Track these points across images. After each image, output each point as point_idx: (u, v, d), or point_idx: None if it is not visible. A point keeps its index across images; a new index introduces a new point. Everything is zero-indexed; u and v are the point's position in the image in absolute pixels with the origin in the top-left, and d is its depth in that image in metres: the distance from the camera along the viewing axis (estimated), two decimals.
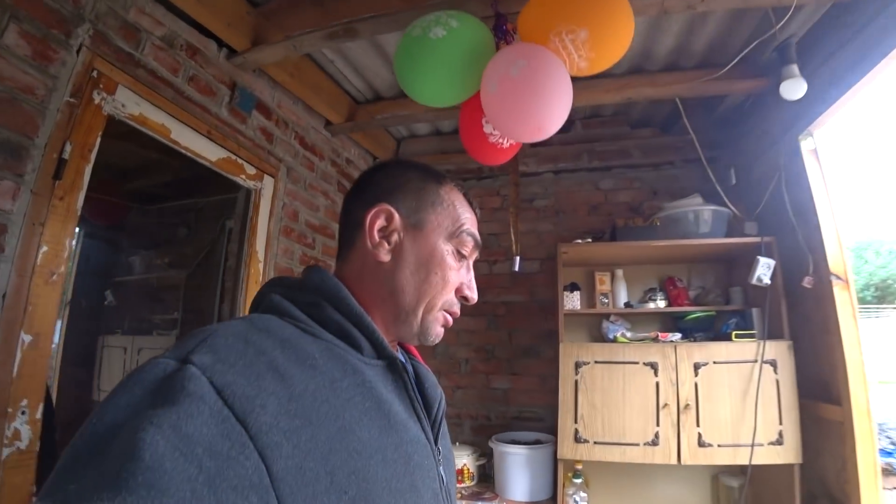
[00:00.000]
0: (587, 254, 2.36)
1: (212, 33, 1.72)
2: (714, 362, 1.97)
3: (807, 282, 1.85)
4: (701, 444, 1.93)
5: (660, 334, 2.17)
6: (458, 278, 0.63)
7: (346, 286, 0.57)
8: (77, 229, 1.49)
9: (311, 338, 0.50)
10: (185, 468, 0.31)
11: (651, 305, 2.32)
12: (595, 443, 2.01)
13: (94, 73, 1.33)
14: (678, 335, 2.16)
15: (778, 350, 1.94)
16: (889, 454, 2.19)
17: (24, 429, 1.14)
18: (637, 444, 1.97)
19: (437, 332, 0.62)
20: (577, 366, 2.09)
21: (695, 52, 2.01)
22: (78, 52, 1.30)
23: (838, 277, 1.81)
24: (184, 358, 0.38)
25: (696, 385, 1.97)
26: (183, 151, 1.66)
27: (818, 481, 1.85)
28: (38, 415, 1.17)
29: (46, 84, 1.23)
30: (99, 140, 1.35)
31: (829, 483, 1.80)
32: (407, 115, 2.35)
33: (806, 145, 1.92)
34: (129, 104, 1.44)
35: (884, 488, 1.82)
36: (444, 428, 0.65)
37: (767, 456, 1.87)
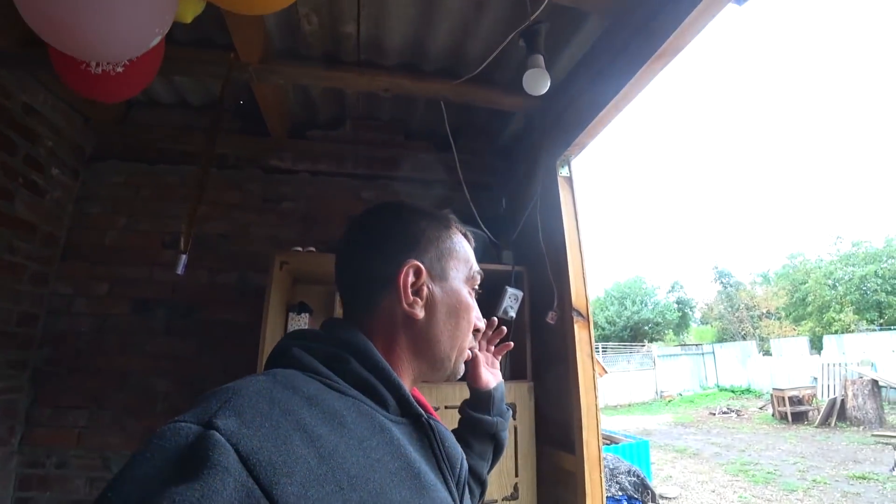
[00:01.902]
0: (325, 270, 1.87)
1: None
2: (446, 407, 1.67)
3: (550, 317, 1.74)
4: None
5: None
6: (472, 315, 0.65)
7: (376, 342, 0.57)
8: None
9: (336, 394, 0.48)
10: None
11: None
12: None
13: None
14: None
15: (518, 392, 1.77)
16: (617, 502, 2.25)
17: None
18: None
19: (461, 369, 0.65)
20: None
21: (468, 57, 1.84)
22: None
23: (579, 314, 1.74)
24: (206, 422, 0.36)
25: None
26: None
27: None
28: None
29: None
30: None
31: None
32: None
33: (562, 173, 1.87)
34: None
35: None
36: (467, 490, 0.63)
37: None
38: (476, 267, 0.67)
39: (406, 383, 0.57)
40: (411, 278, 0.59)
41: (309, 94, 2.22)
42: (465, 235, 0.69)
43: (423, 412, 0.55)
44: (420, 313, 0.59)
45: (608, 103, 1.49)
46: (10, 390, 1.93)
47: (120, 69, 1.05)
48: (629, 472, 2.31)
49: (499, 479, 1.65)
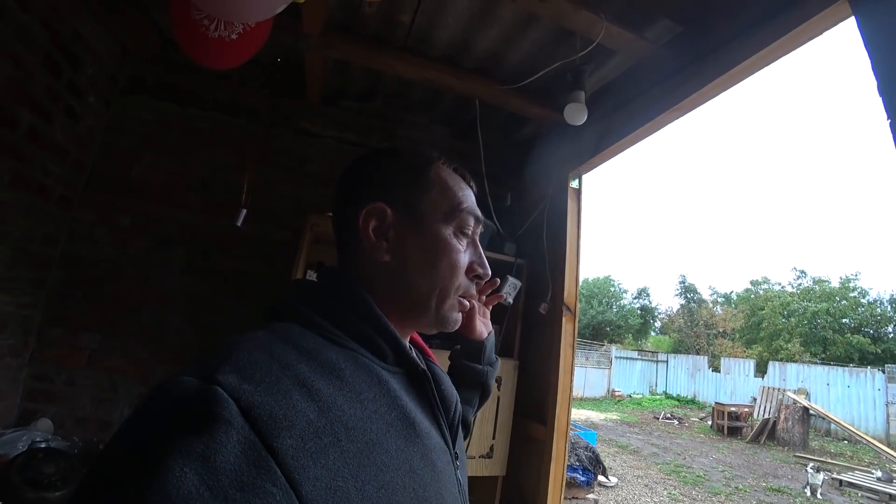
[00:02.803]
0: None
1: None
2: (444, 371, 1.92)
3: (542, 308, 1.97)
4: None
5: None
6: (466, 259, 0.60)
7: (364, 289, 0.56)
8: None
9: (335, 347, 0.49)
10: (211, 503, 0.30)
11: None
12: None
13: None
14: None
15: (505, 368, 2.02)
16: (574, 469, 2.59)
17: None
18: None
19: (455, 319, 0.60)
20: None
21: (507, 64, 1.99)
22: None
23: (568, 309, 1.97)
24: (208, 377, 0.36)
25: None
26: None
27: (516, 491, 1.97)
28: None
29: None
30: None
31: (525, 493, 1.92)
32: None
33: (572, 184, 2.07)
34: None
35: (565, 498, 2.04)
36: (460, 430, 0.65)
37: (477, 468, 1.92)
38: (467, 206, 0.61)
39: (396, 329, 0.56)
40: (373, 221, 0.57)
41: (347, 66, 2.33)
42: (457, 171, 0.64)
43: (420, 362, 0.56)
44: (385, 256, 0.57)
45: (624, 137, 1.70)
46: (28, 306, 2.02)
47: (234, 36, 1.15)
48: (586, 447, 2.67)
49: (478, 440, 1.91)
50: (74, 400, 2.06)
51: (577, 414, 12.87)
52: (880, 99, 0.93)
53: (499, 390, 1.98)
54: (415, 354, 0.63)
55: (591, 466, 2.66)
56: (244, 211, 1.43)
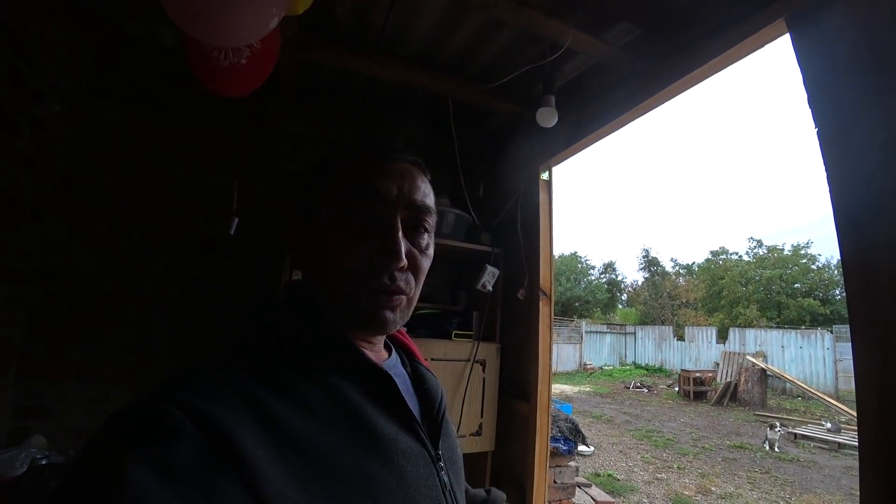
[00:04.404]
0: None
1: None
2: (432, 359, 2.05)
3: (520, 293, 2.10)
4: None
5: None
6: (361, 245, 0.52)
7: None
8: None
9: (287, 361, 0.48)
10: (169, 501, 0.31)
11: None
12: None
13: None
14: (403, 329, 2.16)
15: (488, 351, 2.15)
16: (556, 440, 2.79)
17: None
18: None
19: (380, 318, 0.53)
20: None
21: (479, 62, 2.07)
22: None
23: (544, 293, 2.10)
24: (162, 397, 0.38)
25: None
26: None
27: (505, 464, 2.12)
28: None
29: None
30: None
31: (514, 465, 2.07)
32: None
33: (543, 176, 2.18)
34: None
35: (549, 466, 2.21)
36: (448, 428, 0.61)
37: (468, 446, 2.05)
38: (351, 179, 0.54)
39: (360, 336, 0.56)
40: (292, 236, 0.59)
41: (318, 63, 2.34)
42: (367, 153, 0.57)
43: (376, 364, 0.53)
44: (306, 266, 0.57)
45: (591, 133, 1.82)
46: (6, 324, 1.96)
47: (244, 60, 1.18)
48: (566, 419, 2.87)
49: (468, 420, 2.04)
50: (66, 413, 2.05)
51: (553, 389, 13.33)
52: (809, 110, 1.07)
53: (483, 372, 2.12)
54: (395, 357, 0.64)
55: (572, 436, 2.87)
56: (236, 219, 1.47)
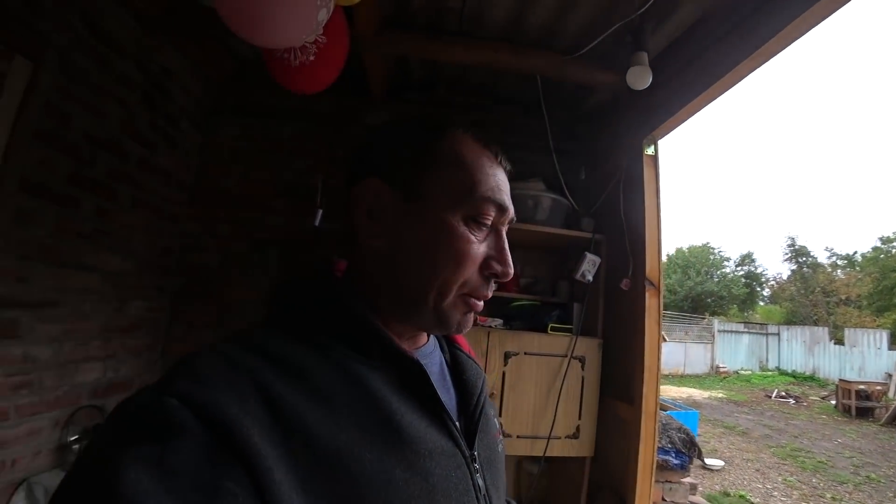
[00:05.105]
0: None
1: None
2: (525, 353, 1.93)
3: (624, 284, 1.88)
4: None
5: (479, 318, 2.07)
6: (479, 252, 0.50)
7: (355, 280, 0.52)
8: None
9: (307, 348, 0.44)
10: None
11: None
12: None
13: None
14: (500, 321, 2.08)
15: (589, 347, 1.97)
16: (667, 452, 2.46)
17: None
18: None
19: (457, 321, 0.51)
20: None
21: (565, 33, 1.91)
22: None
23: (651, 283, 1.86)
24: (164, 388, 0.36)
25: (503, 374, 1.92)
26: None
27: (605, 473, 1.93)
28: None
29: None
30: None
31: (614, 475, 1.88)
32: None
33: (647, 151, 1.94)
34: None
35: (656, 481, 1.96)
36: (487, 424, 0.56)
37: (563, 449, 1.91)
38: (484, 190, 0.50)
39: (393, 323, 0.52)
40: (366, 201, 0.51)
41: (406, 59, 2.37)
42: (483, 145, 0.54)
43: (407, 353, 0.48)
44: (377, 241, 0.50)
45: (697, 95, 1.55)
46: (157, 309, 2.36)
47: (312, 57, 1.25)
48: (679, 429, 2.51)
49: (564, 420, 1.89)
50: None
51: (678, 392, 12.18)
52: None
53: (583, 370, 1.94)
54: (433, 341, 0.59)
55: (686, 449, 2.48)
56: (320, 211, 1.54)
